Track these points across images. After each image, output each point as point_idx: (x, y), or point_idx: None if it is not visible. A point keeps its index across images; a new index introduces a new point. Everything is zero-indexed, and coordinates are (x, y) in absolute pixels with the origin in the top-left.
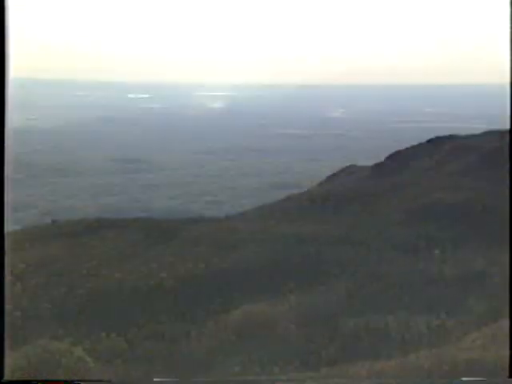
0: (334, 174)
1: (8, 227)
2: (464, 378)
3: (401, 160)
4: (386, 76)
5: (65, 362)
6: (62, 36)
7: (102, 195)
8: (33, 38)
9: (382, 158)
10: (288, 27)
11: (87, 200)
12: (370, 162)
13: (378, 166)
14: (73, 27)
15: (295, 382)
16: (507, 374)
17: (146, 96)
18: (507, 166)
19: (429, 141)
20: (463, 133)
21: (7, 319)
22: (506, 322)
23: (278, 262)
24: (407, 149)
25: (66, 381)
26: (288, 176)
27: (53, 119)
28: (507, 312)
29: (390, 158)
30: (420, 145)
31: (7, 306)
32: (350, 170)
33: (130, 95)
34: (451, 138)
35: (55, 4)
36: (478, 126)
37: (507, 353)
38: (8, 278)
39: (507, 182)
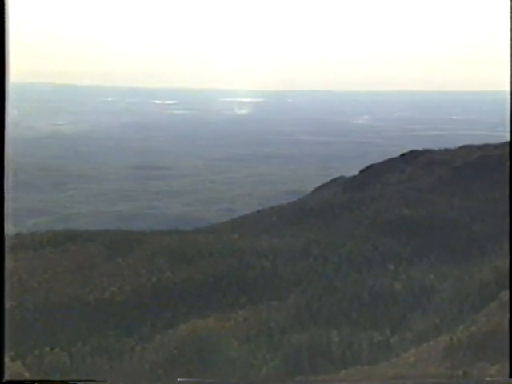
0: (322, 186)
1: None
2: (465, 379)
3: (374, 174)
4: (411, 83)
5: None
6: (94, 42)
7: (119, 202)
8: (68, 44)
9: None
10: (312, 35)
11: (103, 207)
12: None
13: (352, 179)
14: (106, 34)
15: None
16: None
17: (173, 102)
18: (476, 180)
19: (403, 155)
20: (486, 141)
21: None
22: (445, 338)
23: (232, 276)
24: (381, 163)
25: (65, 381)
26: (301, 184)
27: (79, 125)
28: (448, 328)
29: (364, 171)
30: (394, 159)
31: None
32: (337, 182)
33: (157, 101)
34: (426, 152)
35: (89, 7)
36: (503, 134)
37: (434, 370)
38: None
39: (473, 196)
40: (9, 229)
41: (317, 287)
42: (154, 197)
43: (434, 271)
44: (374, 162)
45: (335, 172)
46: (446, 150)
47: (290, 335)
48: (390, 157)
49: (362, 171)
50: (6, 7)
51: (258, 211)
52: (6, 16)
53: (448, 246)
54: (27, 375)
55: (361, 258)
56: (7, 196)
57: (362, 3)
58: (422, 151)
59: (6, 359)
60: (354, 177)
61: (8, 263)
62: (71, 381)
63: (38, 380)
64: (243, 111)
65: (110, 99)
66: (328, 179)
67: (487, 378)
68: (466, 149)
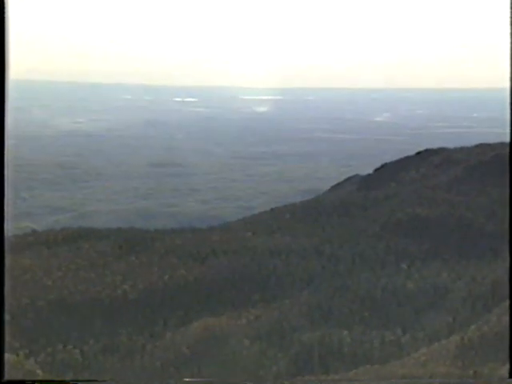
0: (337, 184)
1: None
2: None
3: (389, 172)
4: (431, 80)
5: (11, 375)
6: (111, 40)
7: (137, 199)
8: (84, 43)
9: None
10: (327, 33)
11: (122, 204)
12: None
13: (366, 178)
14: (123, 31)
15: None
16: None
17: (193, 100)
18: (491, 179)
19: (418, 153)
20: (506, 139)
21: None
22: (457, 338)
23: (245, 274)
24: (396, 161)
25: (62, 381)
26: (319, 182)
27: (99, 123)
28: (460, 328)
29: (379, 170)
30: (409, 157)
31: None
32: (352, 180)
33: (176, 99)
34: (440, 150)
35: (103, 4)
36: None
37: (444, 369)
38: None
39: (488, 196)
40: (28, 226)
41: (329, 286)
42: (172, 194)
43: (448, 271)
44: (389, 160)
45: (353, 170)
46: (462, 149)
47: (301, 334)
48: (408, 154)
49: (376, 170)
50: (6, 7)
51: (272, 209)
52: (6, 15)
53: (462, 246)
54: (39, 372)
55: (374, 257)
56: (29, 193)
57: (379, 2)
58: (436, 149)
59: (20, 357)
60: (369, 175)
61: (23, 261)
62: (71, 381)
63: (38, 380)
64: (262, 109)
65: (129, 97)
66: (344, 177)
67: (495, 378)
68: (482, 147)
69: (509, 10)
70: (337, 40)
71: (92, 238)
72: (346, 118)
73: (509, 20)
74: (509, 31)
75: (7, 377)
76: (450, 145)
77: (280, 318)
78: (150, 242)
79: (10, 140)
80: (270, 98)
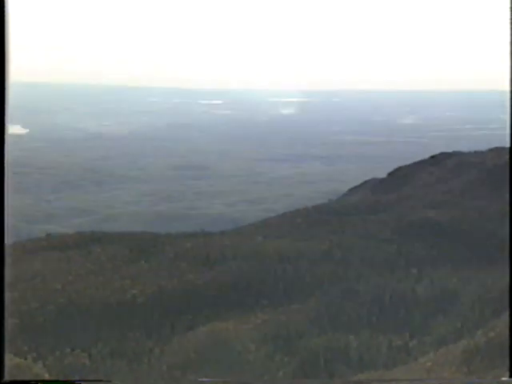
0: (354, 187)
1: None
2: (468, 380)
3: (402, 176)
4: (459, 81)
5: (19, 378)
6: (137, 42)
7: (161, 202)
8: (109, 46)
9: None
10: (353, 35)
11: (145, 207)
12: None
13: (381, 181)
14: (149, 34)
15: None
16: None
17: (219, 102)
18: (506, 183)
19: (432, 156)
20: None
21: None
22: (465, 343)
23: (254, 279)
24: (409, 165)
25: (65, 381)
26: (343, 185)
27: (125, 125)
28: (470, 333)
29: (393, 173)
30: (422, 161)
31: None
32: (369, 184)
33: (202, 101)
34: (455, 154)
35: (134, 11)
36: None
37: (450, 375)
38: None
39: (502, 201)
40: (51, 229)
41: (339, 291)
42: (196, 197)
43: (458, 275)
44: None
45: (377, 173)
46: (476, 152)
47: (308, 339)
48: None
49: (390, 173)
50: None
51: (283, 213)
52: (6, 16)
53: (473, 251)
54: (47, 376)
55: (384, 261)
56: (54, 196)
57: (403, 6)
58: (451, 153)
59: (28, 361)
60: (383, 179)
61: (35, 264)
62: (76, 381)
63: (40, 380)
64: (288, 111)
65: (155, 100)
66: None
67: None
68: (497, 150)
69: (509, 10)
70: (362, 42)
71: (104, 242)
72: (373, 121)
73: (509, 20)
74: (509, 31)
75: (9, 377)
76: (476, 147)
77: (287, 323)
78: (160, 246)
79: (38, 143)
80: (296, 100)
